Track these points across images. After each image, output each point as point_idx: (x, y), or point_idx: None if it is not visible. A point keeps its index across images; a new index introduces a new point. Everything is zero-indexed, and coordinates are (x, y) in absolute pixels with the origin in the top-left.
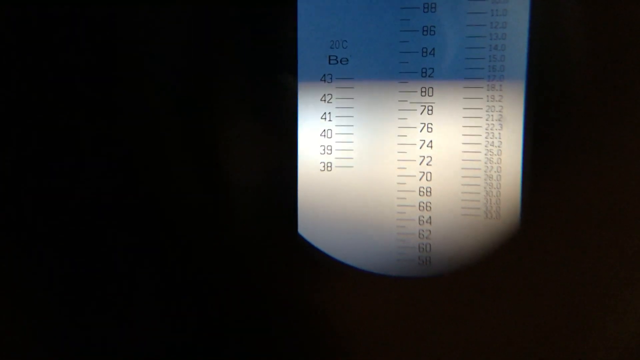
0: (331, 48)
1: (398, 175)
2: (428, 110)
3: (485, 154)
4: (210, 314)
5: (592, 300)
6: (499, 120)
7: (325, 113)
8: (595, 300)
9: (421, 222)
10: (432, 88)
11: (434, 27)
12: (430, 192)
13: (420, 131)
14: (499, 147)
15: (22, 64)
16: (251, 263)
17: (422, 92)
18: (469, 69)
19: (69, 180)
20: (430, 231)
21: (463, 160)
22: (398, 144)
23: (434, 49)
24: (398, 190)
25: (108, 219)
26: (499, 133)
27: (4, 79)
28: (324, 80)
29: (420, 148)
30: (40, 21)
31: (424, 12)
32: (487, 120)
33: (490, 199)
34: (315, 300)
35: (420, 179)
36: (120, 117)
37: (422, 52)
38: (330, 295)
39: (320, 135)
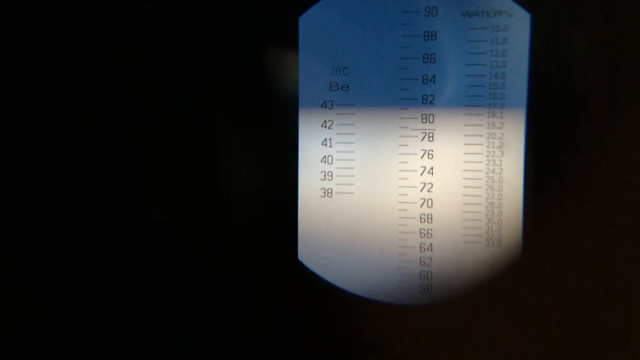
0: (332, 75)
1: (399, 202)
2: (429, 136)
3: (487, 181)
4: (209, 342)
5: (596, 328)
6: (500, 147)
7: (326, 139)
8: (600, 328)
9: (422, 249)
10: (432, 115)
11: (435, 54)
12: (431, 219)
13: (421, 158)
14: (500, 174)
15: (20, 65)
16: (251, 290)
17: (422, 118)
18: (469, 96)
19: (68, 188)
20: (431, 258)
21: (464, 187)
22: (399, 171)
23: (434, 76)
24: (399, 217)
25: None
26: (500, 160)
27: (3, 80)
28: (325, 107)
29: (421, 174)
30: (39, 21)
31: (424, 40)
32: (488, 147)
33: (492, 226)
34: (316, 328)
35: (421, 206)
36: (115, 153)
37: (423, 79)
38: (331, 323)
39: (321, 161)
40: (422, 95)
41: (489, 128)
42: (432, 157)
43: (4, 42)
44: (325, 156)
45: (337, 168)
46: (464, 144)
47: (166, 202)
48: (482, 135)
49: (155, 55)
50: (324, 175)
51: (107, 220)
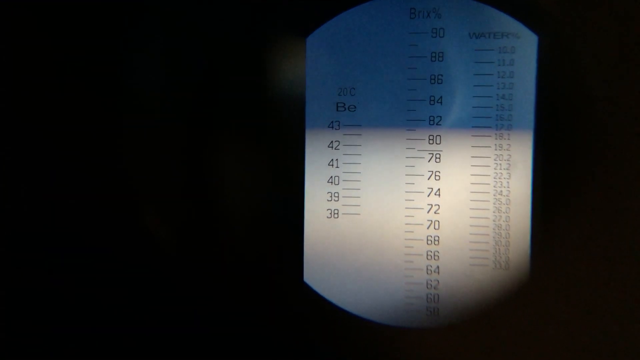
0: (339, 95)
1: (405, 224)
2: (436, 158)
3: (494, 203)
4: None
5: (603, 353)
6: (507, 169)
7: (332, 160)
8: (607, 353)
9: (429, 272)
10: (439, 136)
11: (442, 76)
12: (438, 241)
13: (428, 179)
14: (507, 196)
15: (21, 67)
16: (256, 311)
17: (429, 139)
18: (476, 118)
19: (72, 189)
20: (438, 281)
21: (471, 209)
22: (405, 192)
23: (441, 97)
24: (405, 239)
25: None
26: (508, 182)
27: (5, 82)
28: (332, 127)
29: (428, 196)
30: (39, 22)
31: (431, 61)
32: (495, 168)
33: (499, 249)
34: (321, 350)
35: (428, 228)
36: (122, 164)
37: (430, 100)
38: (336, 345)
39: (327, 182)
40: (429, 116)
41: (496, 149)
42: (438, 179)
43: (5, 43)
44: (331, 177)
45: (343, 189)
46: (471, 166)
47: (171, 223)
48: (489, 157)
49: (161, 74)
50: (330, 196)
51: (112, 240)
